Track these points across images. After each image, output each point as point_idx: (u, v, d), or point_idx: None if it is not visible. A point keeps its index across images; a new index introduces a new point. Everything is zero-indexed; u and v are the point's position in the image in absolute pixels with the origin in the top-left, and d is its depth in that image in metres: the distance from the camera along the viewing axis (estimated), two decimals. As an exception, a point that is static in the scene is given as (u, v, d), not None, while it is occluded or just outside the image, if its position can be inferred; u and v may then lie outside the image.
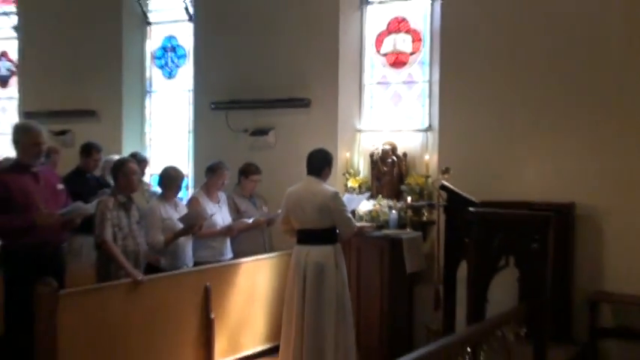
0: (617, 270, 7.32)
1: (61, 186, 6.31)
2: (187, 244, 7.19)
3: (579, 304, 7.37)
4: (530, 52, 7.64)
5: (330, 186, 6.86)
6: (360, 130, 8.82)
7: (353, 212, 7.42)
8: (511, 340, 5.97)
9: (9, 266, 5.94)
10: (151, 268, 6.88)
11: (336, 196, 6.67)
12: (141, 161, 8.30)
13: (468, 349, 5.30)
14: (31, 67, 11.16)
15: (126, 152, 9.32)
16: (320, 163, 6.79)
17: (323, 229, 6.66)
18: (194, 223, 7.03)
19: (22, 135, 6.05)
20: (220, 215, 7.58)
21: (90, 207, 6.28)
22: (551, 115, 7.56)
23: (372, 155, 8.44)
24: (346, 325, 6.68)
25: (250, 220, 7.65)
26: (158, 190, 7.58)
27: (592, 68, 7.37)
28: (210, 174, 7.71)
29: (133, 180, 6.56)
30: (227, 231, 7.52)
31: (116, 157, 8.45)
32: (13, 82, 11.87)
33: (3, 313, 5.93)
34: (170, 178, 7.27)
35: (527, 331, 6.16)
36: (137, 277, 6.17)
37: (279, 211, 7.17)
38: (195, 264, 7.26)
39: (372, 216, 7.93)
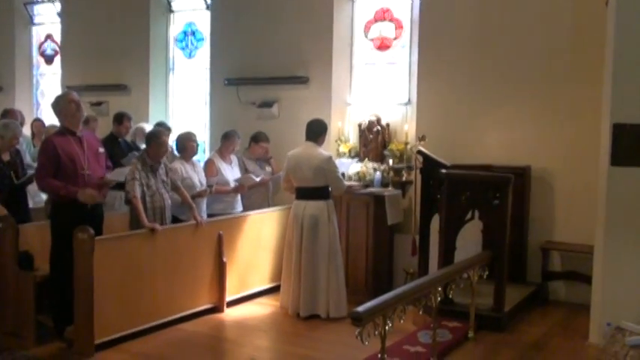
0: (565, 223, 7.36)
1: (102, 149, 6.19)
2: (202, 201, 7.12)
3: (533, 251, 7.39)
4: (494, 37, 7.63)
5: (325, 150, 6.82)
6: (350, 104, 8.72)
7: (343, 174, 7.37)
8: (475, 281, 5.97)
9: (56, 218, 5.85)
10: (175, 219, 6.84)
11: (329, 159, 6.65)
12: (166, 130, 8.22)
13: (439, 289, 5.28)
14: (72, 47, 11.01)
15: (152, 121, 9.23)
16: (317, 131, 6.78)
17: (318, 187, 6.65)
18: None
19: (60, 103, 5.92)
20: (232, 174, 7.51)
21: (126, 174, 6.28)
22: (510, 90, 7.56)
23: (360, 125, 8.36)
24: (337, 268, 6.68)
25: (258, 179, 7.58)
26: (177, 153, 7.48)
27: (545, 49, 7.37)
28: (224, 140, 7.67)
29: (161, 151, 6.44)
30: (239, 188, 7.44)
31: (146, 125, 8.45)
32: (57, 60, 11.69)
33: (49, 257, 5.87)
34: (182, 142, 7.19)
35: (489, 273, 6.17)
36: (152, 227, 6.07)
37: (282, 172, 7.12)
38: (210, 216, 7.20)
39: (359, 176, 7.87)
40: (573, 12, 7.22)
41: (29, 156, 7.79)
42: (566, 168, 7.30)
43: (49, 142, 5.79)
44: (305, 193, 6.71)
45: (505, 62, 7.56)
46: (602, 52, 5.99)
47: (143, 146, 7.99)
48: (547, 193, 7.41)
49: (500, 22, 7.56)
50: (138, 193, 6.13)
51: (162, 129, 7.17)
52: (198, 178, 7.11)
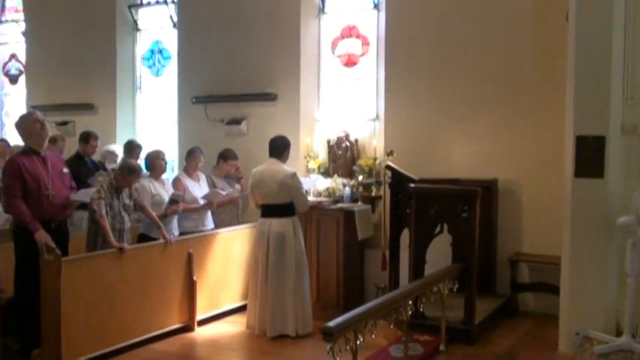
0: (533, 234, 7.44)
1: (66, 169, 6.17)
2: (173, 218, 7.06)
3: (502, 263, 7.45)
4: (457, 55, 7.75)
5: (289, 167, 6.81)
6: (318, 120, 8.74)
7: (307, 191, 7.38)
8: (446, 294, 5.99)
9: (19, 238, 5.77)
10: (144, 238, 6.79)
11: (294, 176, 6.64)
12: (136, 147, 8.20)
13: (410, 302, 5.30)
14: (37, 67, 10.89)
15: (120, 140, 9.17)
16: (280, 147, 6.77)
17: (283, 204, 6.62)
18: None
19: (24, 122, 5.86)
20: (200, 191, 7.44)
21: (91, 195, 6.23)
22: (475, 106, 7.66)
23: (328, 141, 8.40)
24: (303, 284, 6.67)
25: (224, 192, 7.54)
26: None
27: (508, 64, 7.51)
28: (187, 157, 7.64)
29: (133, 183, 6.46)
30: (207, 205, 7.40)
31: (115, 146, 8.46)
32: (22, 80, 11.55)
33: (14, 279, 5.77)
34: (151, 160, 7.17)
35: (459, 286, 6.20)
36: (120, 247, 6.02)
37: (247, 190, 7.12)
38: (181, 234, 7.13)
39: (329, 192, 7.89)
40: (534, 26, 7.35)
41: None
42: (532, 180, 7.39)
43: (15, 162, 5.74)
44: (270, 211, 6.66)
45: (469, 77, 7.66)
46: (564, 65, 6.09)
47: (111, 167, 7.97)
48: (514, 205, 7.50)
49: (464, 37, 7.67)
50: (105, 212, 6.07)
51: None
52: (168, 196, 7.05)
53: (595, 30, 5.79)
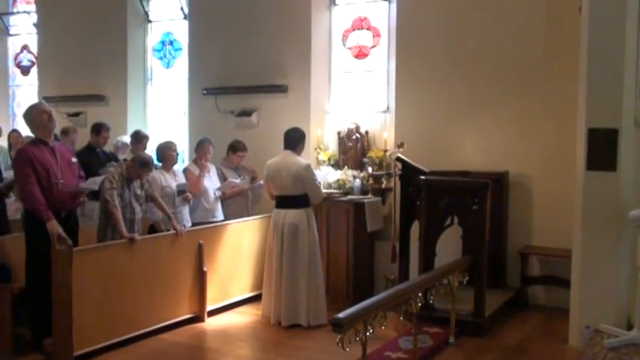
0: (543, 227, 7.41)
1: (74, 159, 6.21)
2: (185, 208, 7.10)
3: (512, 256, 7.42)
4: (470, 44, 7.70)
5: (303, 159, 6.82)
6: (329, 112, 8.73)
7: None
8: (455, 286, 5.99)
9: (30, 227, 5.81)
10: (154, 229, 6.83)
11: (308, 168, 6.68)
12: (143, 137, 8.20)
13: (420, 294, 5.29)
14: (49, 58, 10.92)
15: (130, 131, 9.16)
16: (295, 139, 6.81)
17: (297, 195, 6.66)
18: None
19: (32, 114, 5.90)
20: (210, 182, 7.47)
21: (99, 183, 6.28)
22: (486, 99, 7.62)
23: (339, 133, 8.39)
24: (317, 275, 6.69)
25: (238, 180, 7.57)
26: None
27: (520, 56, 7.46)
28: (197, 149, 7.66)
29: (145, 175, 6.48)
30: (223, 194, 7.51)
31: (127, 138, 8.47)
32: (34, 71, 11.60)
33: (25, 269, 5.81)
34: (162, 151, 7.21)
35: (469, 278, 6.19)
36: (131, 238, 6.05)
37: (262, 181, 7.17)
38: (192, 224, 7.15)
39: (339, 184, 7.88)
40: (547, 19, 7.31)
41: (3, 166, 7.73)
42: (543, 173, 7.36)
43: (25, 152, 5.79)
44: (284, 202, 6.71)
45: (481, 69, 7.62)
46: (577, 58, 6.06)
47: (123, 157, 8.01)
48: (525, 198, 7.47)
49: (475, 29, 7.64)
50: (118, 202, 6.10)
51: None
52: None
53: (608, 22, 5.75)
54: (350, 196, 7.64)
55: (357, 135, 8.22)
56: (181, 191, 7.03)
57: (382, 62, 8.46)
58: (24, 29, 11.77)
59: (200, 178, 7.28)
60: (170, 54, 10.31)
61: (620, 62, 5.72)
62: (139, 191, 6.39)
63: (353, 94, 8.66)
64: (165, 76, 10.34)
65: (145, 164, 6.40)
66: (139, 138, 8.16)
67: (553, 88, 7.24)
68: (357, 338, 4.23)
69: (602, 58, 5.76)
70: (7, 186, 6.70)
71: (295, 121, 7.61)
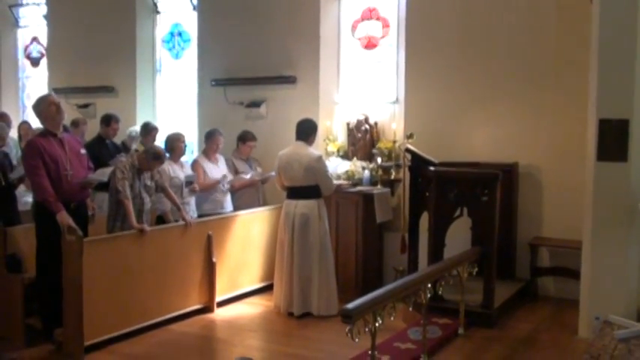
0: (553, 218, 7.39)
1: (83, 151, 6.24)
2: (192, 199, 7.12)
3: (521, 247, 7.41)
4: (480, 35, 7.66)
5: (315, 150, 6.81)
6: (338, 103, 8.71)
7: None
8: (465, 278, 5.98)
9: (40, 219, 5.85)
10: (162, 220, 6.85)
11: (320, 159, 6.69)
12: (152, 129, 8.21)
13: (429, 285, 5.29)
14: (59, 49, 10.94)
15: (140, 122, 9.18)
16: (307, 130, 6.82)
17: (308, 186, 6.66)
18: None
19: (41, 105, 5.92)
20: (219, 173, 7.46)
21: (108, 174, 6.31)
22: (496, 90, 7.59)
23: (348, 124, 8.37)
24: (328, 266, 6.71)
25: (248, 176, 7.58)
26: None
27: (531, 47, 7.42)
28: (206, 139, 7.67)
29: (155, 168, 6.49)
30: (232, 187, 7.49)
31: (138, 129, 8.47)
32: (43, 62, 11.64)
33: (35, 260, 5.85)
34: (170, 142, 7.22)
35: (479, 269, 6.18)
36: (141, 228, 6.07)
37: (272, 172, 7.19)
38: (200, 216, 7.18)
39: (348, 175, 7.88)
40: (558, 9, 7.26)
41: (15, 159, 7.75)
42: (553, 164, 7.33)
43: (34, 143, 5.82)
44: (296, 193, 6.72)
45: (491, 60, 7.58)
46: (588, 48, 6.02)
47: (134, 148, 8.03)
48: (535, 189, 7.45)
49: (486, 20, 7.59)
50: (129, 193, 6.12)
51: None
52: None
53: (620, 12, 5.70)
54: (359, 187, 7.63)
55: (367, 126, 8.21)
56: (189, 182, 7.04)
57: (391, 53, 8.43)
58: (34, 21, 11.80)
59: (206, 178, 7.29)
60: (179, 45, 10.32)
61: (632, 52, 5.68)
62: (148, 182, 6.42)
63: (362, 84, 8.64)
64: (174, 68, 10.35)
65: (158, 157, 6.43)
66: (149, 130, 8.17)
67: (563, 79, 7.20)
68: (367, 329, 4.24)
69: (614, 49, 5.72)
70: (19, 178, 6.73)
71: (304, 112, 7.61)
